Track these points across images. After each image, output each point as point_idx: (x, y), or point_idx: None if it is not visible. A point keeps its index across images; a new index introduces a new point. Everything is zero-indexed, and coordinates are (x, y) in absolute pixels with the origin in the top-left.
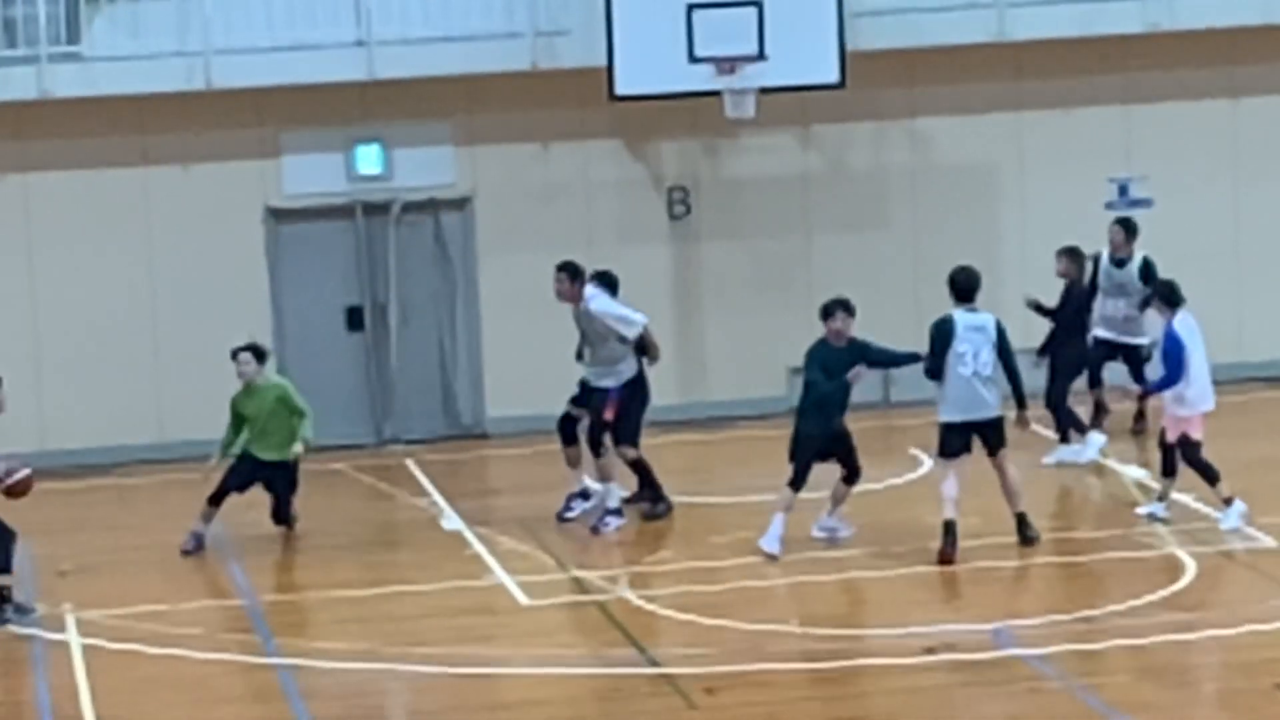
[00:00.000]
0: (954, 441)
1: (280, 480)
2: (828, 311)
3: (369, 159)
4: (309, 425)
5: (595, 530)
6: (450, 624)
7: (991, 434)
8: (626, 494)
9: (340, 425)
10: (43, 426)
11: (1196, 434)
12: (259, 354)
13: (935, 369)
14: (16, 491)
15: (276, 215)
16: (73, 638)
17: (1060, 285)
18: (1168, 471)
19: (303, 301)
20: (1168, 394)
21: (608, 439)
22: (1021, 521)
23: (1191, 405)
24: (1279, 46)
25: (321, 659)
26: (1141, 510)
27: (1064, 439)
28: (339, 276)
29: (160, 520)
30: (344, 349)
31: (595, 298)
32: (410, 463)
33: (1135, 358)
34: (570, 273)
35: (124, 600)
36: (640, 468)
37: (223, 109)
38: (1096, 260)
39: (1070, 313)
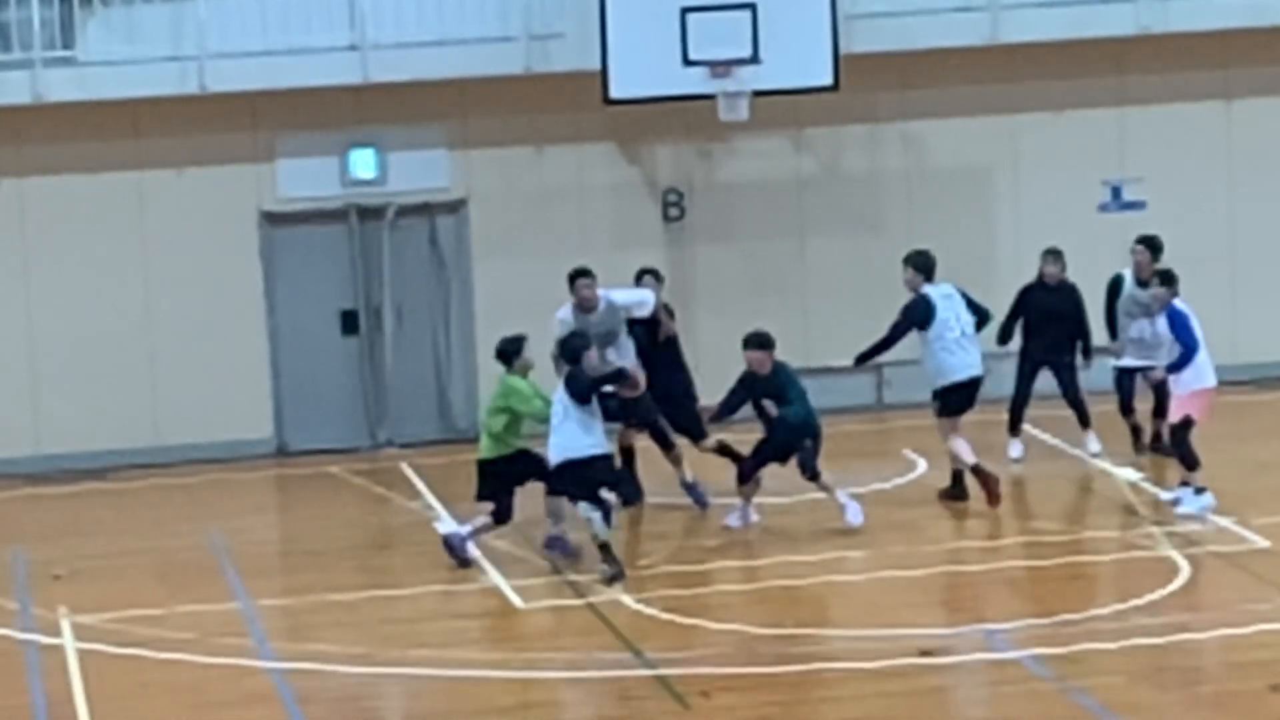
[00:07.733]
0: (958, 399)
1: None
2: None
3: (363, 163)
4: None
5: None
6: (445, 627)
7: (975, 393)
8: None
9: (335, 429)
10: (38, 430)
11: (1198, 414)
12: None
13: (893, 340)
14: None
15: (271, 219)
16: (68, 642)
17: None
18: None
19: (297, 305)
20: (1172, 376)
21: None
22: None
23: (1187, 385)
24: (1272, 49)
25: (316, 662)
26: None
27: (1087, 424)
28: (334, 280)
29: (155, 525)
30: (338, 353)
31: (610, 291)
32: (405, 466)
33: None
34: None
35: (119, 604)
36: (632, 453)
37: (217, 113)
38: (1118, 283)
39: (1074, 311)
